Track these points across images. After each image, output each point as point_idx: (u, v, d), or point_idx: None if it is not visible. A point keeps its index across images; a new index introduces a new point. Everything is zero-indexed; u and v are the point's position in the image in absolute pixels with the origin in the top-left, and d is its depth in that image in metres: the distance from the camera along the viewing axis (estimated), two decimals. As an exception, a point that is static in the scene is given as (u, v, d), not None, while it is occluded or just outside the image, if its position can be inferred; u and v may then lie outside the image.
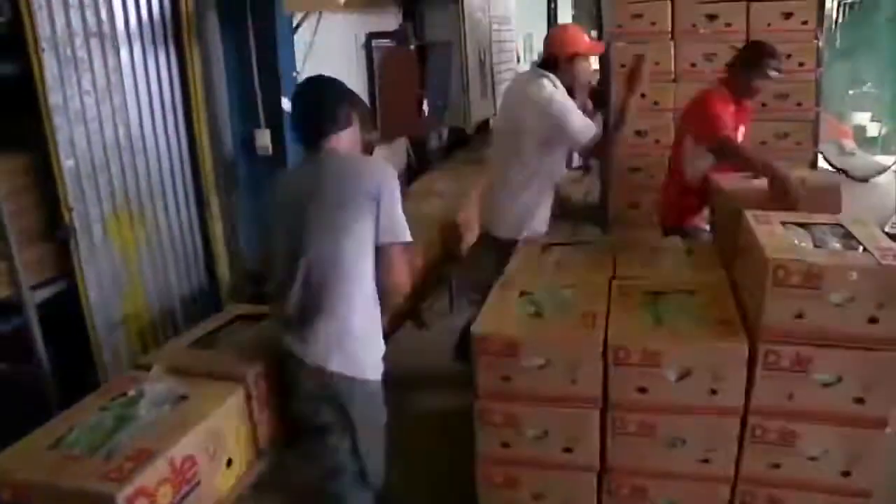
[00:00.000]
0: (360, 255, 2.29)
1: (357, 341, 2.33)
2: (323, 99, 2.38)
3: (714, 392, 2.39)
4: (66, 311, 3.00)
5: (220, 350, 2.71)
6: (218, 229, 3.81)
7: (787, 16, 4.84)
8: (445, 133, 7.06)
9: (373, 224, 2.26)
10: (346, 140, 2.39)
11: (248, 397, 2.45)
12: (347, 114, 2.40)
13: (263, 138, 3.79)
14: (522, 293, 2.78)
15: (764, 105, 4.73)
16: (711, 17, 4.95)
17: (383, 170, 2.36)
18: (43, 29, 2.74)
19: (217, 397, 2.34)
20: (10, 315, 2.79)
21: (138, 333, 3.32)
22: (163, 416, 2.23)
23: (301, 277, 2.30)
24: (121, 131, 3.18)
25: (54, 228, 2.93)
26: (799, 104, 4.96)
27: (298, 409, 2.42)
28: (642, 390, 2.42)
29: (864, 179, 8.42)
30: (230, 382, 2.42)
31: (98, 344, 3.09)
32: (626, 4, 5.04)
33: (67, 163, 2.90)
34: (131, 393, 2.35)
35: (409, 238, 2.34)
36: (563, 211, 4.59)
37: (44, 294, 2.90)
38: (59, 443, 2.11)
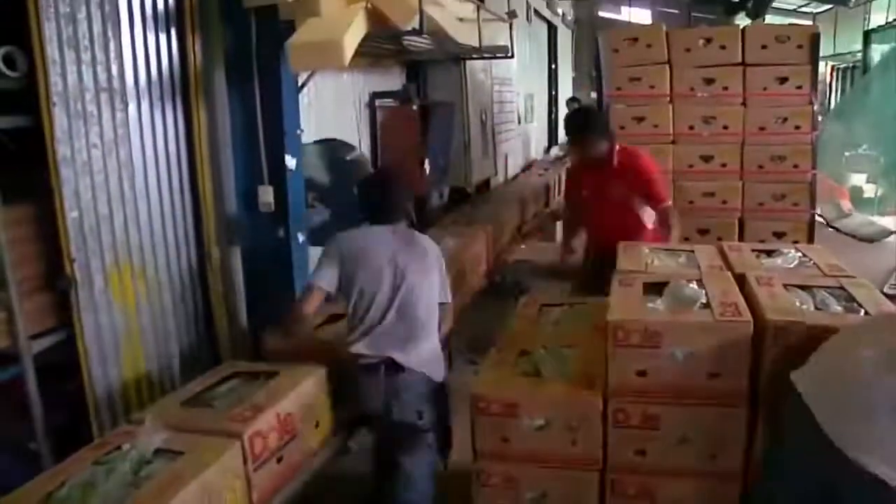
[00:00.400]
0: (436, 299, 3.10)
1: (441, 358, 3.14)
2: (402, 193, 3.23)
3: (713, 457, 2.38)
4: (63, 362, 2.99)
5: (216, 407, 2.70)
6: (218, 284, 3.82)
7: (783, 80, 4.94)
8: (447, 192, 7.13)
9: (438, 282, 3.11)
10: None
11: (244, 454, 2.42)
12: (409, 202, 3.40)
13: (266, 195, 3.82)
14: (522, 352, 2.78)
15: (761, 167, 4.79)
16: (709, 81, 5.05)
17: (436, 246, 3.24)
18: (55, 84, 2.80)
19: (212, 453, 2.31)
20: (6, 365, 2.78)
21: (135, 387, 3.29)
22: (156, 472, 2.21)
23: (397, 305, 2.97)
24: (126, 184, 3.21)
25: (55, 278, 2.93)
26: (795, 166, 5.03)
27: (382, 406, 2.96)
28: (641, 452, 2.41)
29: (871, 240, 8.45)
30: (225, 438, 2.40)
31: (94, 396, 3.06)
32: (625, 68, 5.14)
33: (72, 214, 2.92)
34: (125, 447, 2.33)
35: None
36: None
37: (42, 344, 2.89)
38: (49, 499, 2.08)
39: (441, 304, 3.12)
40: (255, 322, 3.97)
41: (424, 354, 3.00)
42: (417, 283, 3.00)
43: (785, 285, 2.63)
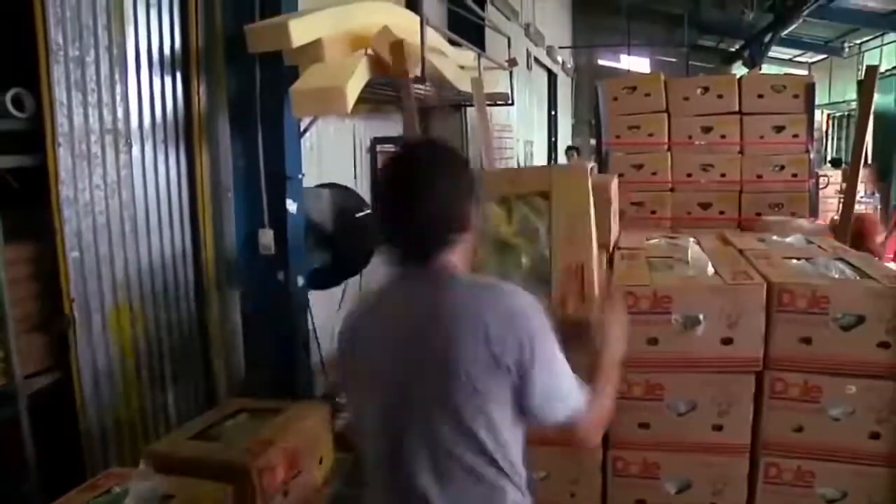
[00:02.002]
0: (503, 435, 1.52)
1: None
2: (435, 196, 1.51)
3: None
4: (58, 402, 2.96)
5: (224, 441, 2.70)
6: (217, 327, 3.81)
7: (779, 129, 4.98)
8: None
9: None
10: (463, 248, 1.60)
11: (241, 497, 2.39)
12: (467, 209, 1.57)
13: (267, 238, 3.83)
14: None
15: (759, 214, 4.81)
16: (706, 129, 5.09)
17: (527, 306, 1.52)
18: (61, 125, 2.83)
19: (204, 498, 2.28)
20: (1, 404, 2.75)
21: (129, 429, 3.26)
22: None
23: (390, 463, 1.55)
24: (127, 226, 3.23)
25: (54, 318, 2.93)
26: (793, 213, 5.05)
27: None
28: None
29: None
30: (217, 483, 2.37)
31: (88, 436, 3.02)
32: (624, 116, 5.20)
33: (72, 254, 2.93)
34: (116, 490, 2.30)
35: None
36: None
37: (38, 383, 2.87)
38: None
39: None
40: (253, 366, 3.95)
41: None
42: (437, 411, 1.48)
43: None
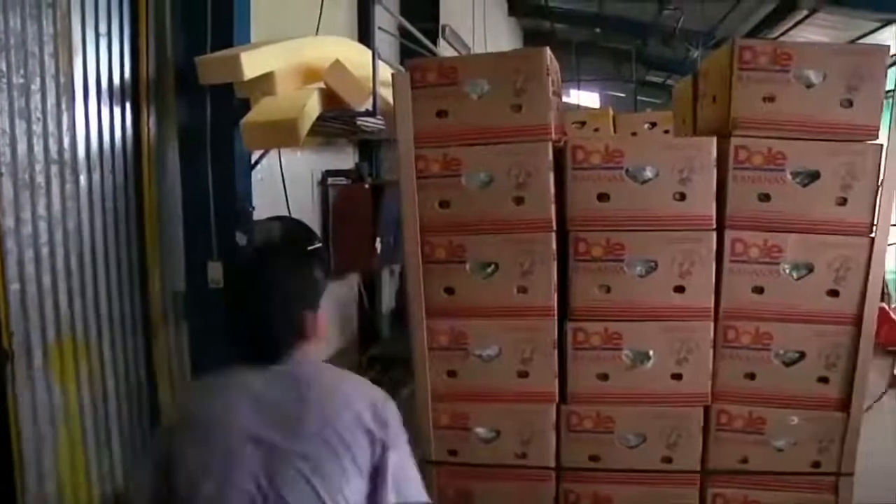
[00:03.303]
0: None
1: None
2: (284, 293, 1.58)
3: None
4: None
5: None
6: (164, 362, 3.73)
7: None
8: (398, 270, 7.15)
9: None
10: (318, 335, 1.63)
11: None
12: (316, 296, 1.65)
13: (216, 271, 3.78)
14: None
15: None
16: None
17: (373, 398, 1.58)
18: (3, 154, 2.76)
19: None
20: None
21: (71, 471, 3.14)
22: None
23: None
24: (72, 257, 3.15)
25: (-9, 352, 2.83)
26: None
27: None
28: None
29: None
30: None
31: (22, 479, 2.90)
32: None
33: (13, 286, 2.84)
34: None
35: None
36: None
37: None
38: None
39: None
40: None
41: None
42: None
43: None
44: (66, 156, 3.10)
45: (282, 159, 4.58)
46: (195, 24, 3.70)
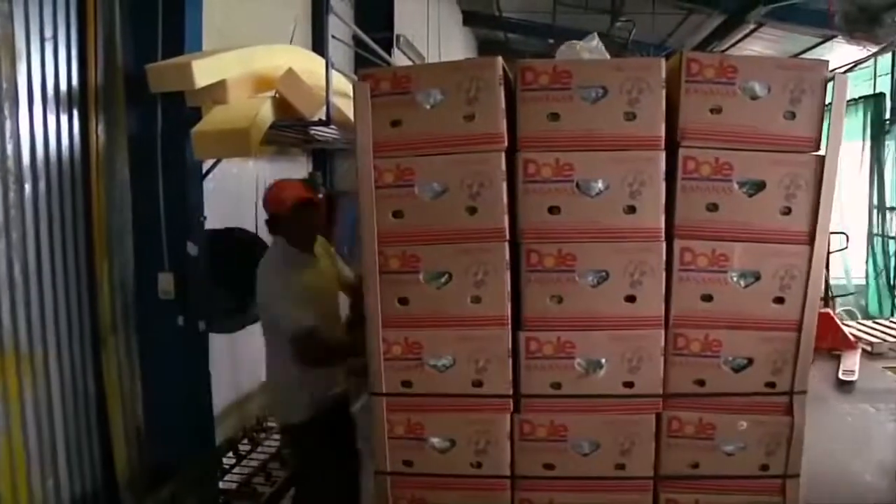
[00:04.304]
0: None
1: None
2: None
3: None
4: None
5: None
6: (113, 373, 3.65)
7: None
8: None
9: None
10: None
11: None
12: None
13: (166, 282, 3.72)
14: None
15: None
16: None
17: None
18: (-57, 163, 2.70)
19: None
20: None
21: (10, 486, 3.05)
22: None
23: None
24: (16, 268, 3.08)
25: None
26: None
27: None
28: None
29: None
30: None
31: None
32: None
33: (-46, 299, 2.77)
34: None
35: None
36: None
37: None
38: None
39: None
40: (152, 412, 3.80)
41: None
42: None
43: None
44: (10, 164, 3.04)
45: (234, 169, 4.54)
46: (145, 31, 3.66)
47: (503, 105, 2.37)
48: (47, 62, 3.27)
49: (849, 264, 10.08)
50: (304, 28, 6.21)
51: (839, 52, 9.32)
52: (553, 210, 2.38)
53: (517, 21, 14.17)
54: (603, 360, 2.43)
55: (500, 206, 2.38)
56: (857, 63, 9.54)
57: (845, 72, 9.56)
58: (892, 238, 9.48)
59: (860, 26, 7.05)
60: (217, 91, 3.62)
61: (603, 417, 2.47)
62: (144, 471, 3.77)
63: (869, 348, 8.00)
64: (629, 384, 2.45)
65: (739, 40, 10.49)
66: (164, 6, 3.67)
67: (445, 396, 2.50)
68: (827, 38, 9.28)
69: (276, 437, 4.70)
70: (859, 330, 8.50)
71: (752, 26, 9.73)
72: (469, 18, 15.19)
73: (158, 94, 3.57)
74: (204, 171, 3.98)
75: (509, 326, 2.45)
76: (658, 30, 11.82)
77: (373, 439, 2.56)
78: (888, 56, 9.38)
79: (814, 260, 2.39)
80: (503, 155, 2.39)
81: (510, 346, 2.45)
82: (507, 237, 2.40)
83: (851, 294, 10.03)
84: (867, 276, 9.89)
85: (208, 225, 4.03)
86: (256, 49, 4.15)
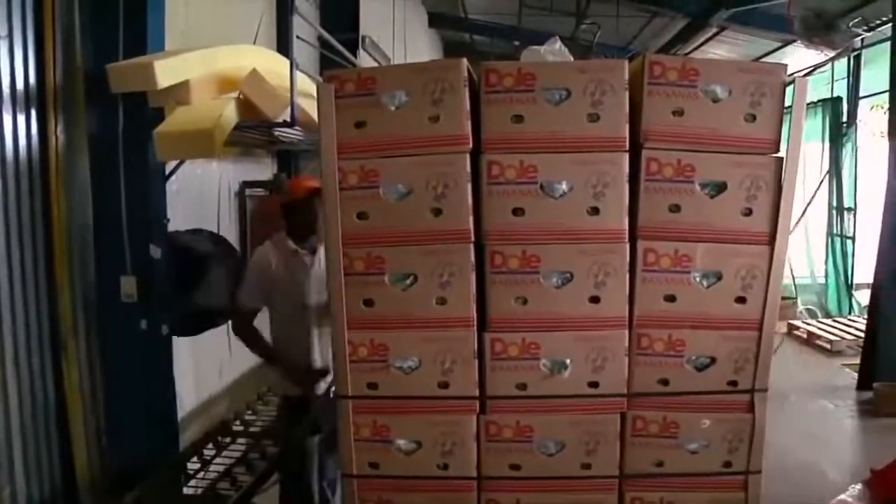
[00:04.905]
0: None
1: None
2: None
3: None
4: None
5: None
6: (74, 378, 3.59)
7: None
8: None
9: None
10: None
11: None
12: None
13: (129, 285, 3.67)
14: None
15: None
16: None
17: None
18: None
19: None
20: None
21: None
22: None
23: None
24: (-28, 272, 3.01)
25: None
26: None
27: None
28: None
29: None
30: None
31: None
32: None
33: None
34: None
35: None
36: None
37: None
38: None
39: None
40: (115, 418, 3.74)
41: None
42: None
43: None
44: (-35, 165, 2.97)
45: (198, 170, 4.49)
46: (106, 30, 3.60)
47: (468, 107, 2.37)
48: (2, 61, 3.20)
49: (813, 264, 10.28)
50: (269, 29, 6.17)
51: (799, 57, 9.50)
52: (517, 212, 2.39)
53: (483, 23, 14.23)
54: (567, 361, 2.44)
55: (465, 208, 2.38)
56: (815, 67, 9.72)
57: (805, 75, 9.75)
58: (850, 238, 9.67)
59: (817, 32, 7.21)
60: (180, 92, 3.58)
61: (568, 418, 2.48)
62: (107, 477, 3.71)
63: (828, 346, 8.17)
64: (594, 384, 2.46)
65: (702, 43, 10.64)
66: (126, 5, 3.62)
67: (411, 398, 2.50)
68: (787, 43, 9.45)
69: (242, 441, 4.65)
70: (819, 328, 8.68)
71: (714, 30, 9.88)
72: (435, 20, 15.21)
73: (120, 94, 3.51)
74: (167, 172, 3.93)
75: (475, 328, 2.45)
76: (622, 33, 11.94)
77: (339, 441, 2.55)
78: (845, 60, 9.58)
79: (774, 260, 2.43)
80: (468, 156, 2.39)
81: (476, 347, 2.45)
82: (473, 239, 2.41)
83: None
84: (827, 276, 10.08)
85: (172, 227, 3.98)
86: (220, 49, 4.11)
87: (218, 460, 4.47)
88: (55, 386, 3.52)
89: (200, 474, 4.26)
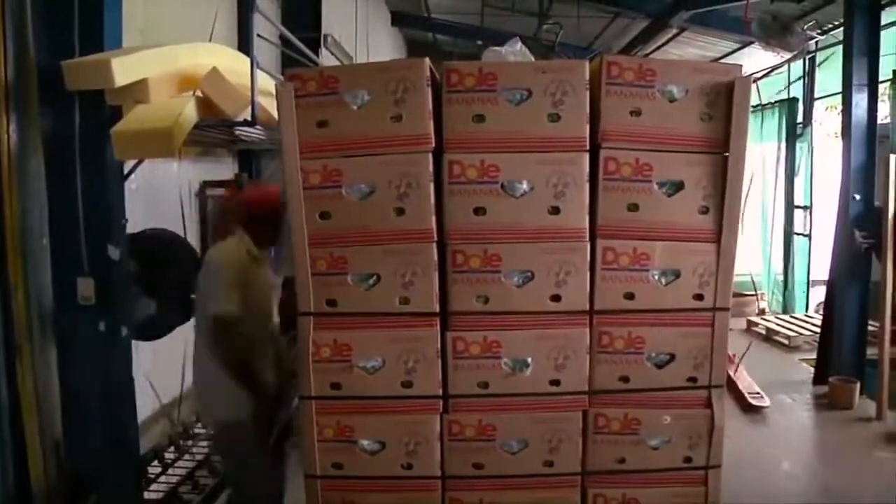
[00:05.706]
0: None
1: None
2: None
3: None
4: None
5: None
6: (29, 383, 3.50)
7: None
8: (279, 281, 7.01)
9: None
10: None
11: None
12: None
13: (86, 287, 3.59)
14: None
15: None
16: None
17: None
18: None
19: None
20: None
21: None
22: None
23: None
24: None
25: None
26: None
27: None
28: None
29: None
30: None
31: None
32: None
33: None
34: None
35: None
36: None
37: None
38: None
39: None
40: (72, 422, 3.67)
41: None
42: None
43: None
44: (-86, 165, 2.89)
45: (158, 170, 4.43)
46: (60, 26, 3.52)
47: (430, 106, 2.38)
48: (-48, 57, 3.13)
49: (772, 262, 10.46)
50: (230, 27, 6.09)
51: (757, 58, 9.64)
52: (479, 211, 2.40)
53: (446, 22, 14.22)
54: (529, 359, 2.46)
55: (428, 207, 2.39)
56: (773, 68, 9.89)
57: (763, 76, 9.93)
58: (807, 236, 9.86)
59: (774, 34, 7.34)
60: (138, 90, 3.52)
61: (530, 416, 2.50)
62: (63, 482, 3.63)
63: (787, 342, 8.33)
64: (555, 382, 2.49)
65: (663, 44, 10.76)
66: (81, 1, 3.54)
67: (375, 398, 2.50)
68: (745, 44, 9.59)
69: (204, 444, 4.60)
70: (777, 325, 8.84)
71: (674, 31, 9.99)
72: (398, 19, 15.17)
73: (76, 91, 3.44)
74: (126, 171, 3.86)
75: (438, 327, 2.46)
76: (584, 33, 12.02)
77: (302, 442, 2.54)
78: (801, 62, 9.76)
79: (723, 257, 2.48)
80: (430, 156, 2.39)
81: (439, 346, 2.45)
82: (436, 238, 2.41)
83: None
84: (785, 273, 10.27)
85: (130, 227, 3.91)
86: (180, 47, 4.05)
87: (179, 464, 4.42)
88: (9, 391, 3.43)
89: (162, 478, 4.21)
